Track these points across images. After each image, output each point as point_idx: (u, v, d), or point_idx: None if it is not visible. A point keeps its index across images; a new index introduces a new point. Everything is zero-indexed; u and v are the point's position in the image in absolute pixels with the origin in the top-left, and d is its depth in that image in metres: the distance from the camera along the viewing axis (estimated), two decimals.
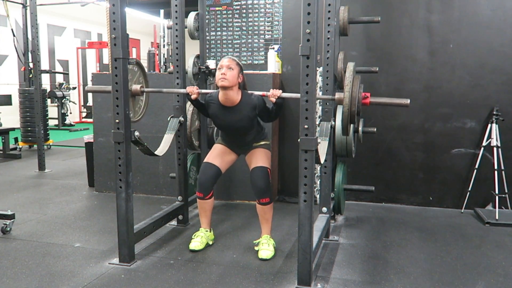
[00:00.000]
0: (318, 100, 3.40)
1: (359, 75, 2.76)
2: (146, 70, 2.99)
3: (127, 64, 2.61)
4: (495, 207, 3.55)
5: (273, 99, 2.68)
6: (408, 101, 2.52)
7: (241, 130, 2.87)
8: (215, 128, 3.75)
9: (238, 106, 2.79)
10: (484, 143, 3.67)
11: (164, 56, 4.54)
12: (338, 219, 3.55)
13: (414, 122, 3.91)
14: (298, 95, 2.29)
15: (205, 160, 2.96)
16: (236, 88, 2.77)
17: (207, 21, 4.42)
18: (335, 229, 3.31)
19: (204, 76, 3.62)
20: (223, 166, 2.96)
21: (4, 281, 2.42)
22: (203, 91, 2.93)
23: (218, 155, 2.95)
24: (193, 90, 2.86)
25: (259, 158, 2.87)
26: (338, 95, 2.62)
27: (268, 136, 3.06)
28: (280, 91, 2.68)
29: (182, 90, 3.01)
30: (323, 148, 2.60)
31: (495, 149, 3.62)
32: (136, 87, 2.75)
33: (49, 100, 9.32)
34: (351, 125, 3.09)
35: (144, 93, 2.89)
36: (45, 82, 10.53)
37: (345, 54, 3.26)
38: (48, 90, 9.75)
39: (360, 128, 3.24)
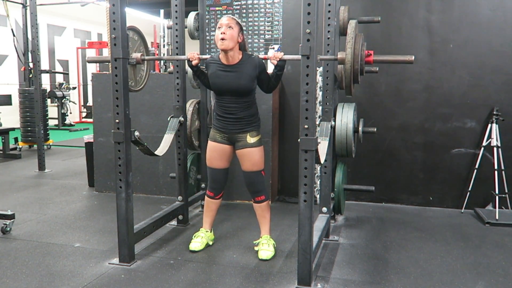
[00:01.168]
0: (318, 100, 3.40)
1: (362, 33, 2.66)
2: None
3: (127, 64, 2.61)
4: (495, 207, 3.55)
5: (275, 62, 2.63)
6: (413, 57, 2.45)
7: (239, 93, 2.74)
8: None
9: (239, 64, 2.72)
10: (484, 143, 3.67)
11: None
12: (338, 219, 3.55)
13: (414, 122, 3.91)
14: (299, 57, 2.23)
15: (208, 165, 2.91)
16: (236, 48, 2.71)
17: (207, 21, 4.41)
18: (335, 229, 3.31)
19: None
20: (227, 164, 2.90)
21: (4, 281, 2.42)
22: (204, 56, 2.88)
23: (217, 157, 2.87)
24: (193, 55, 2.82)
25: (253, 162, 2.80)
26: (340, 54, 2.54)
27: (260, 128, 2.91)
28: (282, 53, 2.63)
29: (183, 57, 2.97)
30: (323, 148, 2.60)
31: (495, 149, 3.62)
32: (136, 55, 2.75)
33: (49, 100, 9.33)
34: (352, 124, 3.09)
35: (145, 62, 2.88)
36: (45, 82, 10.54)
37: None
38: (48, 90, 9.76)
39: (360, 128, 3.24)
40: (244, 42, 2.77)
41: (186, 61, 2.95)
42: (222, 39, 2.63)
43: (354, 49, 2.49)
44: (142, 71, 2.91)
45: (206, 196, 2.96)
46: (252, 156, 2.80)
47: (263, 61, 2.78)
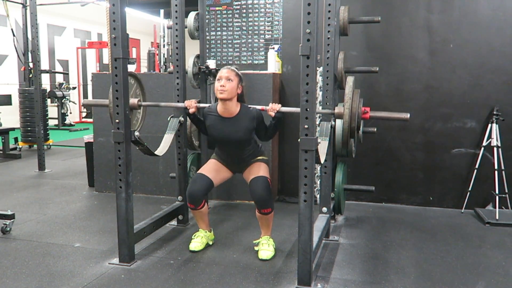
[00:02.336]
0: (318, 100, 3.40)
1: (359, 89, 2.80)
2: (143, 85, 2.98)
3: (127, 64, 2.61)
4: (495, 207, 3.55)
5: (272, 113, 2.66)
6: (408, 115, 2.56)
7: (237, 144, 2.82)
8: None
9: (236, 117, 2.77)
10: (484, 143, 3.67)
11: (164, 56, 4.54)
12: (338, 219, 3.55)
13: (414, 122, 3.91)
14: (298, 109, 2.25)
15: (198, 172, 2.93)
16: (235, 99, 2.75)
17: (207, 21, 4.41)
18: (335, 229, 3.31)
19: (204, 76, 3.62)
20: (216, 180, 2.90)
21: (4, 281, 2.42)
22: (201, 105, 2.90)
23: (212, 169, 2.91)
24: (191, 104, 2.85)
25: (258, 170, 2.82)
26: (338, 109, 2.64)
27: (265, 153, 3.01)
28: (280, 105, 2.66)
29: (180, 104, 3.00)
30: (323, 148, 2.60)
31: (495, 149, 3.62)
32: (133, 101, 2.72)
33: (49, 100, 9.33)
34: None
35: (141, 107, 2.88)
36: (45, 82, 10.53)
37: (345, 54, 3.26)
38: (48, 90, 9.75)
39: (360, 128, 3.24)
40: (243, 93, 2.81)
41: (184, 109, 2.98)
42: (222, 91, 2.67)
43: (352, 108, 2.59)
44: (139, 113, 2.93)
45: (189, 208, 2.91)
46: (255, 167, 2.85)
47: (261, 112, 2.79)
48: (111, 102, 2.62)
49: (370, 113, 2.66)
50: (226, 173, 2.98)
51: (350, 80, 2.71)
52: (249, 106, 2.81)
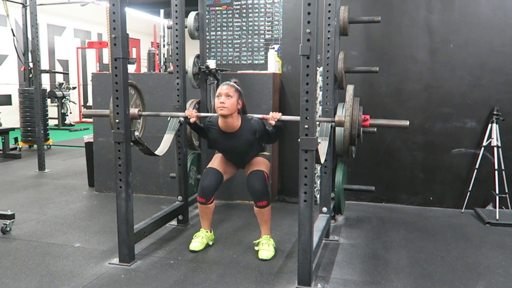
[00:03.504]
0: (318, 100, 3.40)
1: (358, 97, 2.85)
2: (142, 93, 2.99)
3: (127, 64, 2.61)
4: (495, 207, 3.55)
5: (273, 122, 2.68)
6: (407, 122, 2.59)
7: (241, 153, 2.89)
8: None
9: (238, 132, 2.79)
10: (485, 143, 3.67)
11: (164, 56, 4.54)
12: (338, 219, 3.55)
13: (414, 122, 3.91)
14: (298, 118, 2.27)
15: (208, 166, 2.97)
16: (235, 114, 2.76)
17: (207, 21, 4.41)
18: (335, 229, 3.31)
19: (204, 76, 3.62)
20: (226, 174, 2.97)
21: (4, 281, 2.42)
22: (202, 114, 2.91)
23: (221, 163, 2.97)
24: (192, 113, 2.86)
25: (256, 164, 2.89)
26: (338, 118, 2.67)
27: (268, 148, 3.07)
28: (280, 114, 2.67)
29: (181, 114, 3.01)
30: (323, 148, 2.60)
31: (495, 149, 3.61)
32: (133, 111, 2.73)
33: (49, 100, 9.33)
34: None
35: (142, 117, 2.88)
36: (45, 82, 10.53)
37: (345, 54, 3.26)
38: (48, 90, 9.75)
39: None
40: (244, 106, 2.82)
41: (184, 118, 3.00)
42: (221, 108, 2.68)
43: (352, 116, 2.65)
44: (139, 123, 2.94)
45: (198, 203, 2.93)
46: (254, 161, 2.91)
47: (262, 121, 2.80)
48: (112, 112, 2.61)
49: (370, 121, 2.71)
50: (233, 169, 3.05)
51: (350, 88, 2.75)
52: (250, 116, 2.82)
